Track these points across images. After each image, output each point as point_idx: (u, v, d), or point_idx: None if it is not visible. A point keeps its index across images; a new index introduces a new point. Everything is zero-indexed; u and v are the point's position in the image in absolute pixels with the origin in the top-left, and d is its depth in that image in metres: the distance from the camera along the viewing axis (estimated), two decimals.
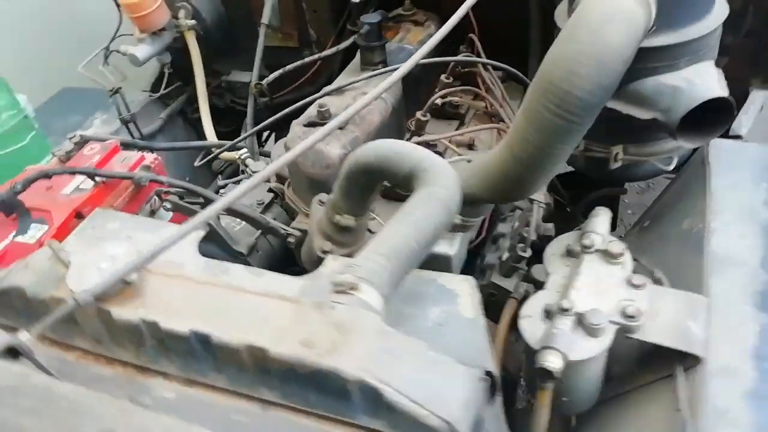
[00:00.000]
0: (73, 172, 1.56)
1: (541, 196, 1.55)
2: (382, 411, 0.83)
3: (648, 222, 1.60)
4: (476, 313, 1.04)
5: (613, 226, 1.90)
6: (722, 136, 1.55)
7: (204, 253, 1.64)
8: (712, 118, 1.34)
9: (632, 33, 1.10)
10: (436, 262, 1.51)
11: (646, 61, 1.34)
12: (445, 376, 0.85)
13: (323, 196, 1.39)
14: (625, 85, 1.38)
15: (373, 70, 1.73)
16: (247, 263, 1.64)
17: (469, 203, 1.41)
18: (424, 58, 1.82)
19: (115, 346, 0.99)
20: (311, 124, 1.54)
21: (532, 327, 1.15)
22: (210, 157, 1.99)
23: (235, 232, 1.66)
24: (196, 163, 2.03)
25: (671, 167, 1.47)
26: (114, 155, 1.75)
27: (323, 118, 1.53)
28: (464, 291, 1.08)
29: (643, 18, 1.15)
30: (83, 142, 1.79)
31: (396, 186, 1.23)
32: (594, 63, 1.06)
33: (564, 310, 1.11)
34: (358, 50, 1.81)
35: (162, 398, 0.94)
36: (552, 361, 1.06)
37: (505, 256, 1.58)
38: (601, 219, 1.29)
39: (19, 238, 1.49)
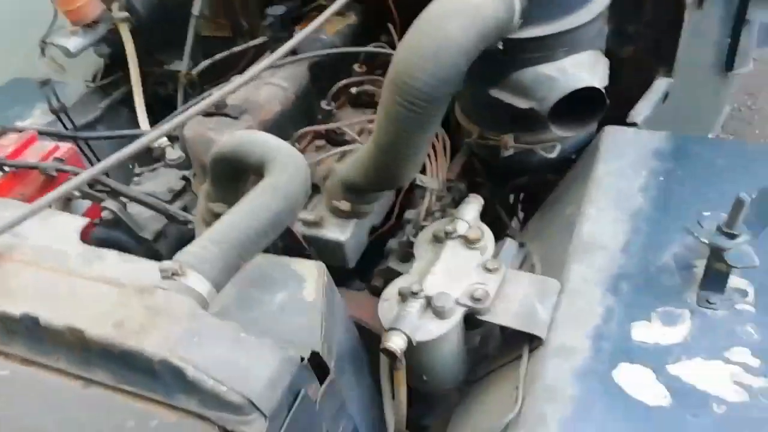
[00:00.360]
0: None
1: (434, 182, 1.58)
2: (190, 390, 0.86)
3: (545, 208, 1.63)
4: (317, 297, 1.07)
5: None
6: (620, 123, 1.58)
7: (110, 240, 1.71)
8: (590, 108, 1.36)
9: (476, 27, 1.12)
10: (328, 248, 1.54)
11: (525, 51, 1.36)
12: (251, 356, 0.88)
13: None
14: (509, 75, 1.41)
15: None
16: (154, 250, 1.68)
17: (355, 191, 1.44)
18: (336, 47, 1.88)
19: None
20: (208, 114, 1.57)
21: (386, 310, 1.18)
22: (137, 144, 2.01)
23: (144, 219, 1.70)
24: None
25: (553, 155, 1.49)
26: (30, 145, 1.79)
27: (218, 108, 1.56)
28: (312, 275, 1.11)
29: (495, 12, 1.17)
30: (2, 132, 1.83)
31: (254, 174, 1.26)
32: (432, 56, 1.08)
33: (414, 294, 1.15)
34: None
35: None
36: (395, 342, 1.09)
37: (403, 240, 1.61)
38: (470, 207, 1.32)
39: None
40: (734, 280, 1.12)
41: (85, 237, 1.25)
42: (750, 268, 1.06)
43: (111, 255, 1.25)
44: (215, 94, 1.23)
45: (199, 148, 1.53)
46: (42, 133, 1.85)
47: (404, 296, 1.17)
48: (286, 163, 1.10)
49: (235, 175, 1.23)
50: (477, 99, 1.54)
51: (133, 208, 1.71)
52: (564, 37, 1.34)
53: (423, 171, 1.61)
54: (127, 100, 2.63)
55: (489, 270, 1.19)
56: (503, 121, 1.51)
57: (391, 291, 1.21)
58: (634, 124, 1.57)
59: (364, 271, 1.65)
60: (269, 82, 1.68)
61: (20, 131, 1.81)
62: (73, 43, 2.18)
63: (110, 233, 1.70)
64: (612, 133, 1.53)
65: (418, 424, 1.50)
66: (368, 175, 1.35)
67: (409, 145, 1.21)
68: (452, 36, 1.09)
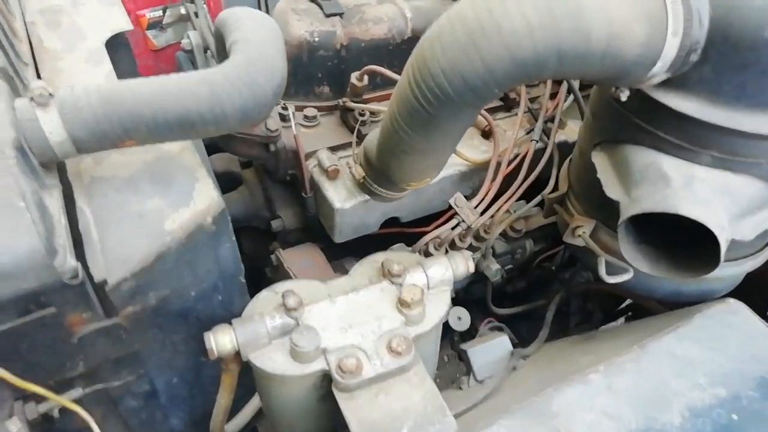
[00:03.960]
0: None
1: (470, 215, 1.20)
2: None
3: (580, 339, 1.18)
4: (175, 230, 0.86)
5: None
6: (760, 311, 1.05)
7: (180, 63, 1.64)
8: (700, 253, 0.88)
9: (574, 48, 0.73)
10: (324, 207, 1.30)
11: (655, 123, 0.90)
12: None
13: None
14: (617, 142, 0.97)
15: None
16: None
17: (369, 164, 1.15)
18: None
19: None
20: None
21: (252, 303, 0.93)
22: None
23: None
24: None
25: (616, 280, 1.03)
26: None
27: None
28: (202, 207, 0.89)
29: (620, 38, 0.74)
30: None
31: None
32: (480, 60, 0.73)
33: (287, 309, 0.87)
34: None
35: None
36: (217, 339, 0.86)
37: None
38: (438, 265, 0.96)
39: None
40: None
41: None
42: None
43: (105, 69, 1.15)
44: None
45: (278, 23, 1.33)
46: None
47: (282, 304, 0.89)
48: (242, 63, 0.86)
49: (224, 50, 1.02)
50: (581, 150, 1.11)
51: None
52: (730, 138, 0.85)
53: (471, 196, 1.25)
54: None
55: (393, 350, 0.85)
56: (592, 196, 1.07)
57: (283, 286, 0.94)
58: None
59: None
60: (396, 2, 1.40)
61: None
62: None
63: (184, 63, 1.64)
64: (729, 312, 1.01)
65: None
66: (375, 153, 1.05)
67: (403, 140, 0.88)
68: (522, 37, 0.71)
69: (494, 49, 0.72)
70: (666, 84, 0.85)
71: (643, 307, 1.43)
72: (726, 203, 0.85)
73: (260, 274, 1.57)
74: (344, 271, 1.43)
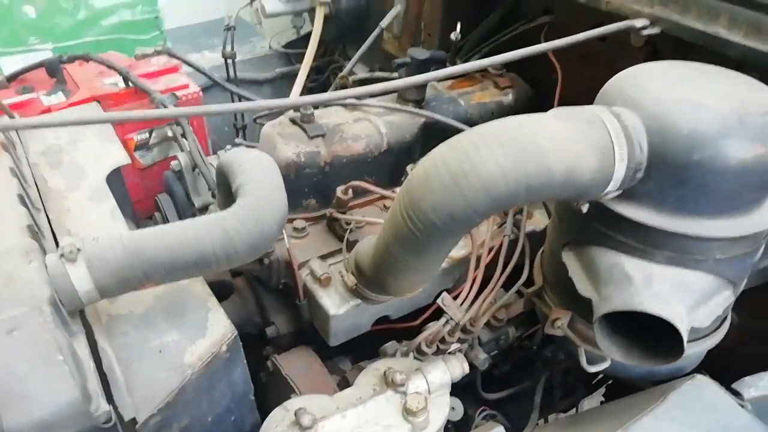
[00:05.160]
0: (108, 66, 1.73)
1: (458, 312, 1.30)
2: None
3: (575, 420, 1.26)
4: (194, 362, 0.92)
5: None
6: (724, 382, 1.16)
7: (169, 187, 1.73)
8: (665, 344, 0.99)
9: (538, 179, 0.86)
10: (319, 313, 1.38)
11: (616, 229, 1.03)
12: (45, 383, 0.77)
13: None
14: (584, 244, 1.10)
15: (403, 104, 1.60)
16: None
17: (362, 274, 1.25)
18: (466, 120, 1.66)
19: None
20: (292, 120, 1.49)
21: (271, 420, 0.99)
22: (260, 115, 2.02)
23: (204, 189, 1.69)
24: (254, 116, 2.08)
25: (592, 369, 1.13)
26: (168, 73, 1.90)
27: (304, 120, 1.46)
28: (217, 335, 0.97)
29: (575, 167, 0.88)
30: (163, 52, 1.97)
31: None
32: (460, 196, 0.85)
33: (302, 428, 0.94)
34: None
35: None
36: None
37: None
38: (436, 368, 1.06)
39: (43, 98, 1.70)
40: None
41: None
42: None
43: (108, 205, 1.24)
44: (298, 101, 1.13)
45: (264, 147, 1.45)
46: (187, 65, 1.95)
47: (296, 422, 0.96)
48: (250, 205, 0.96)
49: (230, 190, 1.13)
50: (551, 248, 1.23)
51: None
52: (678, 241, 0.99)
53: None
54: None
55: None
56: (566, 291, 1.19)
57: (294, 404, 1.01)
58: (738, 394, 1.13)
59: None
60: (370, 120, 1.55)
61: (178, 59, 1.93)
62: (271, 4, 2.28)
63: (173, 182, 1.73)
64: (698, 388, 1.12)
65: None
66: (368, 267, 1.16)
67: (399, 261, 0.99)
68: (496, 178, 0.84)
69: (474, 189, 0.84)
70: (619, 196, 0.99)
71: (620, 380, 1.53)
72: (683, 297, 0.98)
73: (254, 379, 1.61)
74: (339, 372, 1.50)
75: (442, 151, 0.89)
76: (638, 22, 1.31)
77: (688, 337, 0.96)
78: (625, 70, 1.09)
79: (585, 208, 1.00)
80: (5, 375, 0.75)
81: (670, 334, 0.96)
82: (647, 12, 1.32)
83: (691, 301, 0.99)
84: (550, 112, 0.98)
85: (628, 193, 0.98)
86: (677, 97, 0.96)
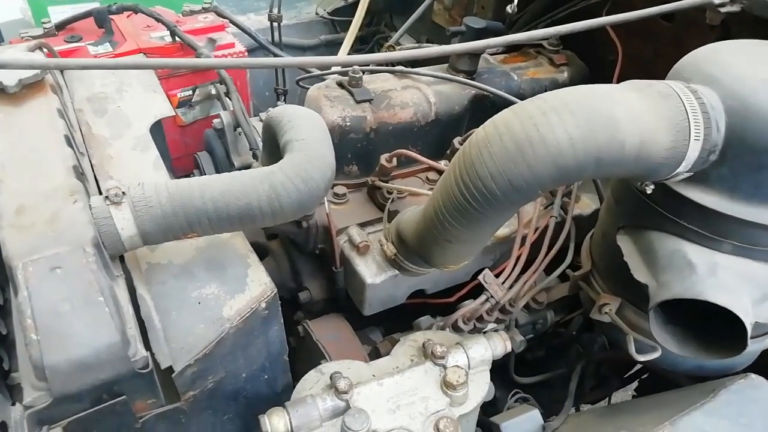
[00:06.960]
0: (157, 19, 1.70)
1: (498, 291, 1.26)
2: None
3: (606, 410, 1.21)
4: (233, 316, 0.90)
5: None
6: None
7: (210, 145, 1.72)
8: (727, 336, 0.94)
9: (610, 152, 0.81)
10: (354, 281, 1.35)
11: (682, 215, 0.97)
12: (87, 323, 0.75)
13: None
14: (644, 230, 1.04)
15: (453, 74, 1.55)
16: None
17: (403, 243, 1.21)
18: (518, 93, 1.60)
19: None
20: (340, 84, 1.45)
21: (302, 383, 0.97)
22: (303, 77, 1.99)
23: (243, 148, 1.67)
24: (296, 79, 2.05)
25: (644, 358, 1.08)
26: (215, 31, 1.87)
27: (352, 84, 1.42)
28: (257, 290, 0.94)
29: (648, 143, 0.82)
30: (210, 10, 1.95)
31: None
32: (526, 164, 0.80)
33: (338, 392, 0.91)
34: None
35: None
36: (272, 423, 0.88)
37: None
38: (479, 345, 1.03)
39: (91, 47, 1.69)
40: None
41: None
42: None
43: (151, 155, 1.22)
44: (347, 59, 1.10)
45: (310, 107, 1.42)
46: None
47: (331, 386, 0.93)
48: (299, 161, 0.93)
49: (276, 147, 1.10)
50: (604, 231, 1.18)
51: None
52: (749, 230, 0.92)
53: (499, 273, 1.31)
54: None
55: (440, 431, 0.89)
56: (617, 276, 1.13)
57: (330, 367, 0.99)
58: None
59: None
60: (420, 88, 1.49)
61: (224, 17, 1.90)
62: None
63: (213, 141, 1.71)
64: (752, 387, 1.06)
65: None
66: (411, 237, 1.12)
67: (448, 231, 0.95)
68: (564, 148, 0.78)
69: (540, 158, 0.80)
70: (688, 179, 0.93)
71: (657, 374, 1.48)
72: (748, 289, 0.92)
73: None
74: (370, 342, 1.47)
75: (505, 116, 0.84)
76: None
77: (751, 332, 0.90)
78: (702, 47, 1.01)
79: (650, 189, 0.95)
80: (47, 312, 0.74)
81: (730, 327, 0.91)
82: None
83: (757, 294, 0.93)
84: (622, 84, 0.92)
85: (698, 177, 0.92)
86: (763, 77, 0.89)
